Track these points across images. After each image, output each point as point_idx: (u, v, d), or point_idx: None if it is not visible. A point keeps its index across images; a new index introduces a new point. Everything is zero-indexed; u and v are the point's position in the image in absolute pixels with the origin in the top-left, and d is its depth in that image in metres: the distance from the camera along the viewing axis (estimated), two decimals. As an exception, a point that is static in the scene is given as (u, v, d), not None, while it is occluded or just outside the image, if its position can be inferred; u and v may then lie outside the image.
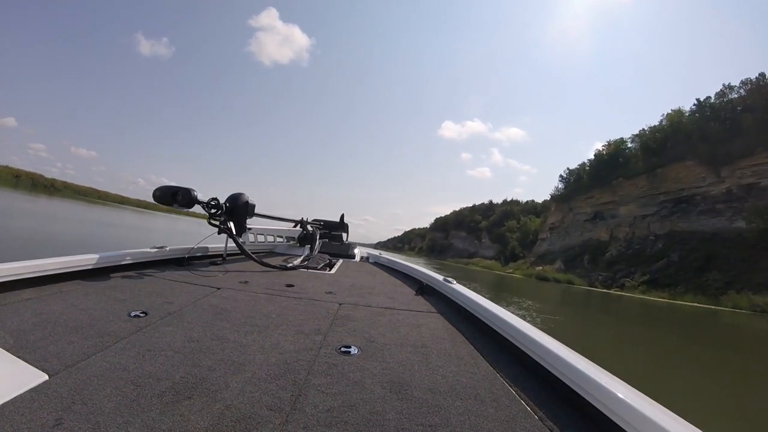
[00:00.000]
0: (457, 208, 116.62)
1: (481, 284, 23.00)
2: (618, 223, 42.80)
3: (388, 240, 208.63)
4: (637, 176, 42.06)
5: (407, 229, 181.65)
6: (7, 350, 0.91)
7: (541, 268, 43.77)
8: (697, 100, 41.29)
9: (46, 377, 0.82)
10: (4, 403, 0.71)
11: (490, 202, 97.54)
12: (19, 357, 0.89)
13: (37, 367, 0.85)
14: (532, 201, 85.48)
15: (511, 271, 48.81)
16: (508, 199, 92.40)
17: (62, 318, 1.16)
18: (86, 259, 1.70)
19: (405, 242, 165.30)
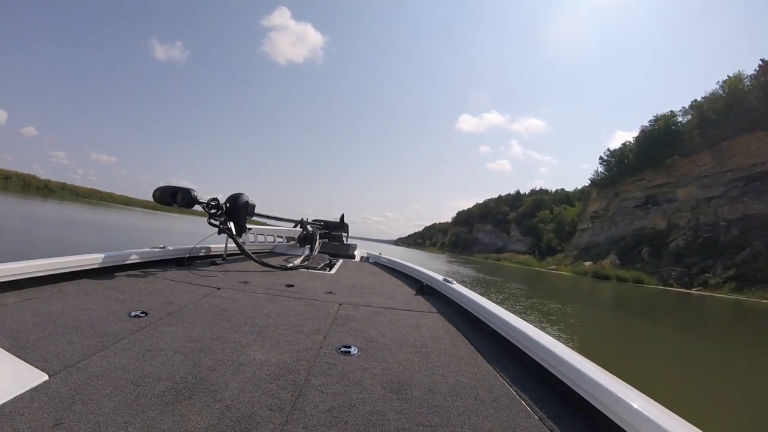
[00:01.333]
0: (480, 201, 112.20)
1: (528, 288, 18.54)
2: (677, 208, 38.49)
3: (409, 236, 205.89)
4: (696, 153, 37.81)
5: (428, 224, 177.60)
6: (7, 350, 0.95)
7: (589, 263, 39.40)
8: (762, 61, 35.87)
9: (46, 377, 0.84)
10: (4, 403, 0.72)
11: (517, 192, 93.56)
12: (19, 357, 0.92)
13: (37, 367, 0.87)
14: (563, 189, 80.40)
15: (554, 267, 45.04)
16: (536, 188, 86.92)
17: (62, 318, 1.20)
18: (86, 259, 1.74)
19: (426, 238, 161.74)
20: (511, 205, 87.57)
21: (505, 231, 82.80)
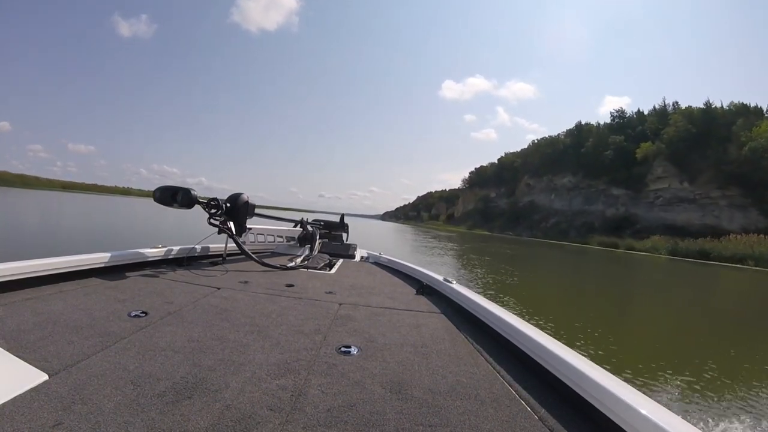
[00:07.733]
0: (465, 175, 73.19)
1: None
2: None
3: (397, 209, 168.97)
4: None
5: (417, 196, 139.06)
6: (7, 350, 0.95)
7: None
8: None
9: (46, 377, 0.84)
10: (4, 403, 0.73)
11: (620, 111, 48.44)
12: (19, 357, 0.92)
13: (37, 367, 0.88)
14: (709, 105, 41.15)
15: None
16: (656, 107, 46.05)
17: (62, 318, 1.20)
18: (87, 259, 1.74)
19: (420, 209, 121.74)
20: (624, 134, 43.16)
21: (625, 183, 39.99)
